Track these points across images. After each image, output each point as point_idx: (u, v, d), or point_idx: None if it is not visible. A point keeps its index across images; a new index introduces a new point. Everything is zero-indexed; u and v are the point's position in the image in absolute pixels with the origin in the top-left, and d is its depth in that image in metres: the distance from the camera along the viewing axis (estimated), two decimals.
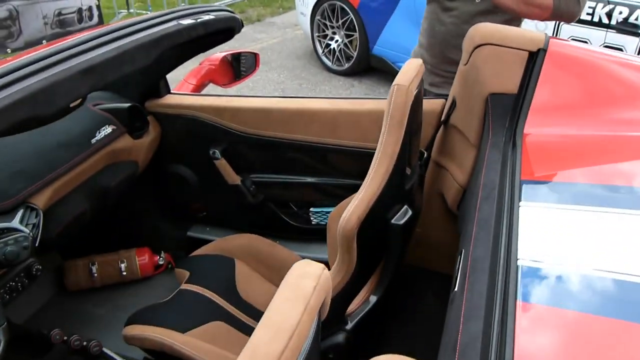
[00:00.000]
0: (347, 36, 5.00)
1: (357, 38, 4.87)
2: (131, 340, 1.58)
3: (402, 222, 1.30)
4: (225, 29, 1.63)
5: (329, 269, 1.34)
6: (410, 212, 1.33)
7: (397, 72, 1.26)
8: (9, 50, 5.10)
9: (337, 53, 5.17)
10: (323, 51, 5.31)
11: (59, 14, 5.52)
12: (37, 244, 1.52)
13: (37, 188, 1.60)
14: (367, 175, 1.20)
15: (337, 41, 5.15)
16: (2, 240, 1.42)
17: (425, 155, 1.63)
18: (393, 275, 1.45)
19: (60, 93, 1.08)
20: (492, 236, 0.88)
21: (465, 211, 1.31)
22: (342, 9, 4.89)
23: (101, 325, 2.01)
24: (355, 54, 4.96)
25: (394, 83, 1.19)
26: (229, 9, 1.65)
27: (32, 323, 1.99)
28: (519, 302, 0.71)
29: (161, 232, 2.31)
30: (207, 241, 2.06)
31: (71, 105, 1.33)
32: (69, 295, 2.16)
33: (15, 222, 1.49)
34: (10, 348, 1.35)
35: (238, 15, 1.67)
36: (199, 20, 1.45)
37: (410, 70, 1.23)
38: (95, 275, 2.14)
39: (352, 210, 1.17)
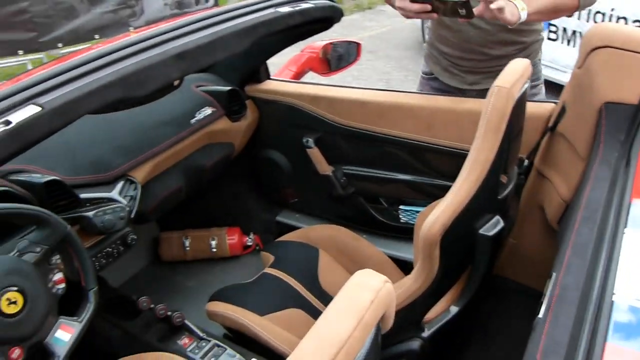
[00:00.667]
0: None
1: None
2: (213, 316, 1.63)
3: (491, 233, 1.21)
4: (324, 18, 1.60)
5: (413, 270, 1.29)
6: (501, 224, 1.24)
7: None
8: (131, 29, 5.44)
9: None
10: None
11: None
12: (133, 215, 1.60)
13: (137, 163, 1.68)
14: (457, 181, 1.13)
15: None
16: (101, 209, 1.51)
17: (525, 162, 1.51)
18: (478, 287, 1.37)
19: (152, 76, 1.11)
20: (587, 263, 0.79)
21: (565, 229, 1.20)
22: None
23: (187, 297, 2.10)
24: None
25: (494, 84, 1.10)
26: None
27: (125, 288, 2.11)
28: (609, 344, 0.63)
29: (252, 214, 2.36)
30: (295, 227, 2.08)
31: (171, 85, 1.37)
32: (161, 265, 2.28)
33: (114, 194, 1.57)
34: (101, 310, 1.43)
35: (338, 5, 1.63)
36: (297, 8, 1.44)
37: (514, 71, 1.13)
38: (188, 248, 2.24)
39: (437, 216, 1.11)
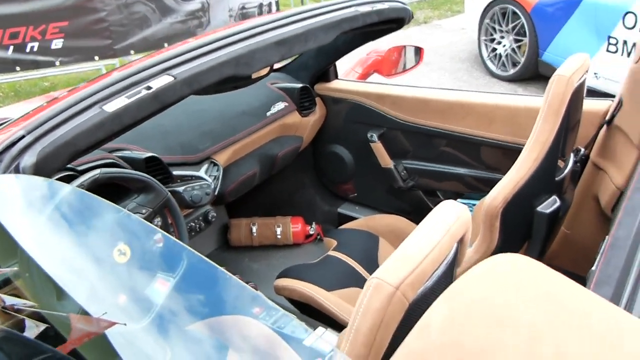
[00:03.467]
0: (516, 41, 4.87)
1: (527, 43, 4.72)
2: (281, 290, 1.78)
3: (548, 210, 1.32)
4: (397, 19, 1.75)
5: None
6: (558, 203, 1.35)
7: None
8: None
9: (502, 58, 5.06)
10: (488, 55, 5.22)
11: (243, 7, 6.08)
12: (216, 193, 1.78)
13: (220, 147, 1.87)
14: (518, 159, 1.25)
15: (504, 46, 5.04)
16: (190, 185, 1.70)
17: (582, 152, 1.61)
18: None
19: (257, 58, 1.29)
20: (637, 221, 0.89)
21: (616, 215, 1.29)
22: (514, 12, 4.77)
23: (254, 277, 2.26)
24: (523, 59, 4.81)
25: (555, 73, 1.22)
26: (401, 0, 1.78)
27: None
28: None
29: (314, 205, 2.51)
30: (355, 219, 2.21)
31: (258, 75, 1.55)
32: (229, 249, 2.45)
33: (201, 172, 1.76)
34: None
35: (409, 7, 1.78)
36: (374, 8, 1.60)
37: (574, 63, 1.25)
38: (255, 234, 2.41)
39: (499, 190, 1.22)
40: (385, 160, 2.19)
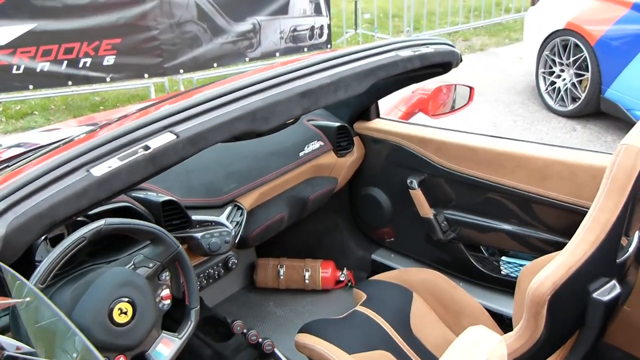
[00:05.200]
0: (577, 75, 4.60)
1: (589, 78, 4.45)
2: (301, 347, 1.64)
3: (606, 298, 1.13)
4: (443, 63, 1.60)
5: (512, 327, 1.23)
6: (618, 289, 1.15)
7: (631, 121, 1.10)
8: (247, 59, 5.72)
9: (561, 92, 4.79)
10: (546, 89, 4.96)
11: (294, 30, 6.04)
12: (237, 241, 1.66)
13: (246, 190, 1.75)
14: (573, 239, 1.07)
15: (564, 79, 4.77)
16: (209, 232, 1.59)
17: None
18: (584, 355, 1.27)
19: (277, 112, 1.16)
20: None
21: None
22: (576, 45, 4.52)
23: (277, 324, 2.13)
24: (584, 95, 4.53)
25: (622, 142, 1.04)
26: (449, 42, 1.62)
27: (219, 309, 2.18)
28: None
29: (347, 250, 2.36)
30: (389, 267, 2.05)
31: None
32: (255, 290, 2.33)
33: (222, 218, 1.64)
34: (197, 328, 1.49)
35: (458, 50, 1.63)
36: (417, 52, 1.45)
37: None
38: (282, 277, 2.28)
39: (549, 274, 1.05)
40: (424, 209, 2.02)
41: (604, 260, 1.13)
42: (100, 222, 1.16)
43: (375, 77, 1.35)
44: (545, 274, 1.06)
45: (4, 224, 0.85)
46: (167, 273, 1.32)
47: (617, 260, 1.18)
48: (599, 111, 4.54)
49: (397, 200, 2.14)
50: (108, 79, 5.09)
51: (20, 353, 1.17)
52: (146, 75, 5.26)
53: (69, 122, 2.62)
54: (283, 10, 5.79)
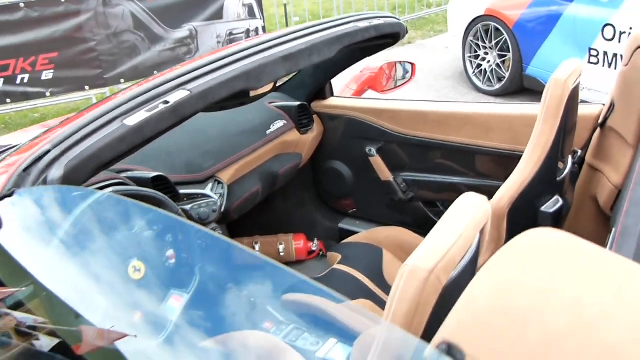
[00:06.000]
0: (500, 56, 4.99)
1: (511, 58, 4.84)
2: (290, 304, 1.79)
3: (552, 210, 1.36)
4: (392, 34, 1.81)
5: None
6: (560, 202, 1.39)
7: None
8: None
9: (487, 73, 5.17)
10: (474, 71, 5.34)
11: (230, 33, 6.16)
12: (222, 210, 1.80)
13: (223, 165, 1.90)
14: (521, 161, 1.29)
15: (489, 62, 5.15)
16: (197, 203, 1.72)
17: (579, 153, 1.66)
18: None
19: (266, 73, 1.33)
20: (637, 241, 0.92)
21: (617, 213, 1.33)
22: (497, 29, 4.90)
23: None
24: (508, 74, 4.92)
25: (551, 77, 1.27)
26: (396, 16, 1.83)
27: None
28: None
29: (315, 222, 2.54)
30: (357, 233, 2.24)
31: (263, 91, 1.60)
32: None
33: (207, 190, 1.79)
34: None
35: (403, 23, 1.84)
36: (372, 23, 1.65)
37: (568, 67, 1.30)
38: (257, 253, 2.42)
39: (505, 191, 1.27)
40: (384, 173, 2.23)
41: (547, 179, 1.37)
42: (109, 190, 1.29)
43: (341, 43, 1.54)
44: (503, 191, 1.28)
45: (61, 166, 0.98)
46: (170, 234, 1.45)
47: (557, 179, 1.42)
48: (523, 88, 4.94)
49: (358, 170, 2.33)
50: (48, 94, 5.04)
51: (39, 323, 1.29)
52: (87, 87, 5.24)
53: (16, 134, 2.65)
54: (218, 15, 5.90)
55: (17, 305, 1.32)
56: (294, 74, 2.28)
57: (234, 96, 1.27)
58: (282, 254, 2.42)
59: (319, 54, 1.48)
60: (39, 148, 1.01)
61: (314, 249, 2.47)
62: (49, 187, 0.96)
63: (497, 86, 5.09)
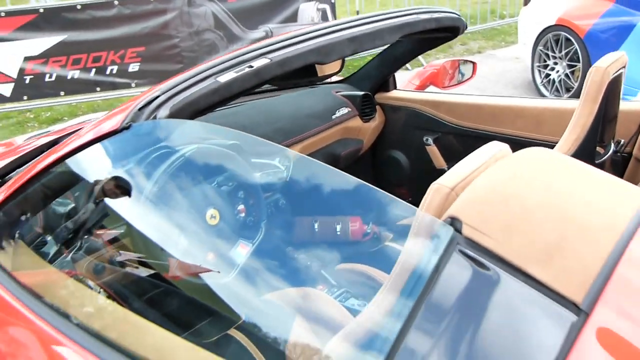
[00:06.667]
0: (569, 66, 4.98)
1: (580, 69, 4.83)
2: (345, 272, 1.97)
3: None
4: (452, 27, 1.96)
5: None
6: None
7: None
8: None
9: (556, 83, 5.16)
10: (542, 81, 5.34)
11: None
12: (287, 181, 2.01)
13: (291, 143, 2.11)
14: (560, 141, 1.41)
15: (557, 71, 5.15)
16: (265, 172, 1.93)
17: (622, 142, 1.74)
18: None
19: (335, 50, 1.53)
20: None
21: None
22: (567, 39, 4.90)
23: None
24: (577, 84, 4.91)
25: (593, 65, 1.39)
26: (456, 11, 1.98)
27: None
28: None
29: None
30: None
31: (328, 73, 1.78)
32: None
33: (276, 162, 1.99)
34: None
35: (462, 17, 1.99)
36: (433, 15, 1.81)
37: (610, 57, 1.41)
38: (317, 231, 2.61)
39: None
40: (439, 161, 2.36)
41: (584, 159, 1.47)
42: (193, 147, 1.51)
43: (402, 31, 1.71)
44: None
45: (167, 108, 1.21)
46: (242, 192, 1.67)
47: (596, 162, 1.52)
48: None
49: (415, 158, 2.48)
50: (133, 85, 5.47)
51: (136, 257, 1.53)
52: None
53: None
54: (293, 18, 6.18)
55: (114, 241, 1.57)
56: (360, 67, 2.47)
57: (306, 72, 1.47)
58: (339, 232, 2.60)
59: (382, 39, 1.65)
60: (151, 94, 1.26)
61: (368, 231, 2.63)
62: (158, 121, 1.19)
63: (565, 97, 5.07)
